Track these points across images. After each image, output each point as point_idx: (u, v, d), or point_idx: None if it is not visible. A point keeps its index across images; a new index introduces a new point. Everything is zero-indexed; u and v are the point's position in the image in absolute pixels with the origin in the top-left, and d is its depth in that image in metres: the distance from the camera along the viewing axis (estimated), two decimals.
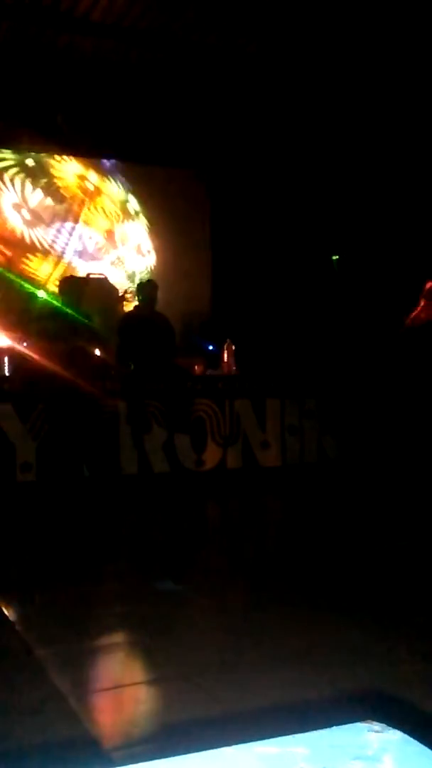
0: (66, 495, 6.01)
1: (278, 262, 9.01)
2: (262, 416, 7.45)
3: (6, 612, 3.46)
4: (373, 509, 5.84)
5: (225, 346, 7.69)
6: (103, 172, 9.44)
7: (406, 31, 6.76)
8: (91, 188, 9.39)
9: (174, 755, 0.75)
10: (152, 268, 9.61)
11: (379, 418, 7.22)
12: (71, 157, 9.19)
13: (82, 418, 6.18)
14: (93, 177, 9.39)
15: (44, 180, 9.04)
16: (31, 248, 8.97)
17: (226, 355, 7.63)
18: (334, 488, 6.85)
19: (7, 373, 6.89)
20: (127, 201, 9.54)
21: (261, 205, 9.24)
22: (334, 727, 0.81)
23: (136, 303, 7.46)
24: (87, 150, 9.13)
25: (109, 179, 9.46)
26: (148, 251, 9.67)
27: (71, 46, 7.48)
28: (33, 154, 9.00)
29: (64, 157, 9.17)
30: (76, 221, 9.24)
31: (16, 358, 6.95)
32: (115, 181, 9.48)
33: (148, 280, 8.17)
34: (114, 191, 9.50)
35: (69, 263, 9.14)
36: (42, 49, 7.48)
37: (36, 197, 9.00)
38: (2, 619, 3.35)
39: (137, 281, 9.19)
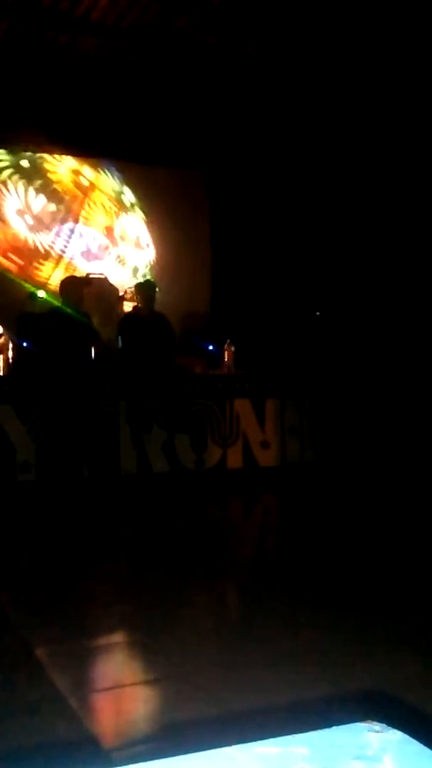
0: (66, 495, 6.01)
1: (278, 262, 9.01)
2: (262, 416, 7.45)
3: (6, 612, 3.46)
4: (373, 509, 5.84)
5: (225, 346, 7.69)
6: (97, 166, 9.40)
7: (406, 31, 6.77)
8: (86, 183, 9.36)
9: (174, 755, 0.75)
10: (152, 264, 9.60)
11: (375, 419, 7.22)
12: (61, 156, 9.16)
13: (82, 418, 6.18)
14: (87, 172, 9.36)
15: (40, 181, 9.03)
16: (38, 254, 8.97)
17: (226, 355, 7.63)
18: (333, 488, 6.85)
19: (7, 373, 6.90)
20: (122, 193, 9.52)
21: (261, 204, 9.24)
22: (334, 727, 0.81)
23: (136, 303, 7.46)
24: (87, 150, 9.13)
25: (103, 173, 9.43)
26: (147, 245, 9.66)
27: (71, 46, 7.48)
28: (27, 154, 8.98)
29: (56, 155, 9.14)
30: (76, 221, 9.24)
31: (16, 357, 6.96)
32: (110, 174, 9.45)
33: (147, 281, 8.17)
34: (109, 184, 9.47)
35: (70, 263, 9.14)
36: (42, 48, 7.47)
37: (39, 202, 8.99)
38: (2, 619, 3.35)
39: (139, 276, 9.20)
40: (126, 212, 9.58)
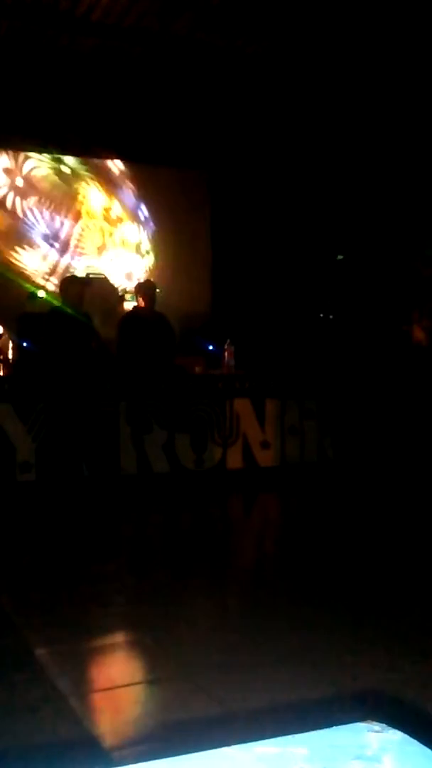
0: (66, 495, 6.01)
1: (279, 262, 9.01)
2: (262, 416, 7.45)
3: (6, 612, 3.46)
4: (372, 509, 5.84)
5: (225, 346, 7.69)
6: (95, 173, 9.40)
7: (406, 32, 6.77)
8: (81, 198, 9.35)
9: (174, 755, 0.75)
10: (151, 268, 9.61)
11: (377, 419, 7.22)
12: (61, 156, 9.15)
13: (82, 418, 6.18)
14: (86, 188, 9.36)
15: (35, 198, 9.03)
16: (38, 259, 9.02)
17: (226, 355, 7.63)
18: (333, 488, 6.85)
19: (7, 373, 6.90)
20: (124, 200, 9.52)
21: (262, 205, 9.24)
22: (334, 727, 0.81)
23: (136, 303, 7.47)
24: (87, 150, 9.13)
25: (93, 183, 9.41)
26: (147, 252, 9.66)
27: (71, 46, 7.48)
28: (21, 174, 8.96)
29: (51, 162, 9.11)
30: (76, 221, 9.24)
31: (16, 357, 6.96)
32: (98, 188, 9.45)
33: (147, 280, 8.17)
34: (98, 200, 9.46)
35: (69, 264, 9.14)
36: (42, 48, 7.48)
37: (37, 213, 8.99)
38: (2, 619, 3.35)
39: (137, 280, 9.20)
40: (120, 223, 9.55)
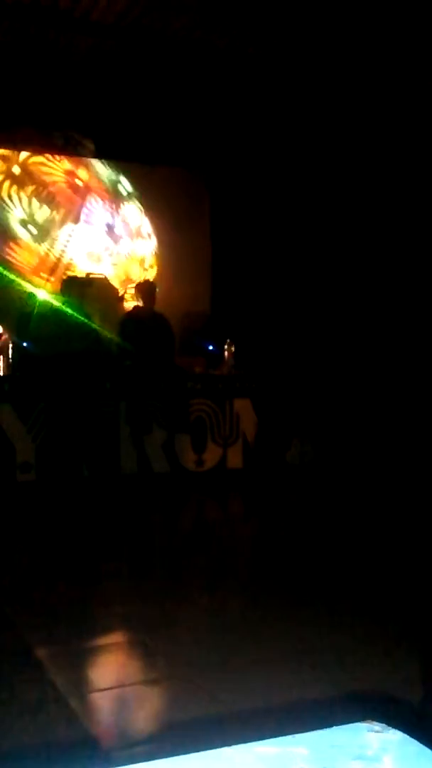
0: (66, 495, 6.01)
1: (279, 262, 9.01)
2: None
3: (6, 612, 3.46)
4: (372, 509, 5.84)
5: (225, 346, 7.69)
6: (89, 163, 9.38)
7: (406, 32, 6.77)
8: (82, 183, 9.33)
9: (174, 755, 0.75)
10: (156, 253, 9.58)
11: (380, 418, 7.22)
12: (60, 157, 9.13)
13: (82, 418, 6.18)
14: (83, 173, 9.33)
15: (32, 187, 9.00)
16: (39, 259, 8.98)
17: (226, 355, 7.63)
18: (333, 488, 6.85)
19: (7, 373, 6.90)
20: (119, 182, 9.50)
21: (261, 203, 9.23)
22: (334, 727, 0.81)
23: (136, 303, 7.47)
24: (86, 149, 9.12)
25: (97, 165, 9.38)
26: (149, 234, 9.64)
27: (71, 46, 7.48)
28: (18, 161, 8.93)
29: (49, 157, 9.10)
30: (76, 222, 9.23)
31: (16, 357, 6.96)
32: (104, 164, 9.42)
33: (147, 280, 8.18)
34: (105, 174, 9.44)
35: (70, 264, 9.13)
36: (42, 48, 7.47)
37: (36, 209, 8.96)
38: (2, 619, 3.35)
39: (146, 266, 9.18)
40: (124, 202, 9.54)
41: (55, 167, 9.17)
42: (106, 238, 9.32)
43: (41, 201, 9.06)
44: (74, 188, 9.29)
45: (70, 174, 9.29)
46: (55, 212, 9.13)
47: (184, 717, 2.28)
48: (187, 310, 9.00)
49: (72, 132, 8.69)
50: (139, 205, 9.58)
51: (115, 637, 3.27)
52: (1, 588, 3.92)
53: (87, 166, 9.35)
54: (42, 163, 9.10)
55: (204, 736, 2.08)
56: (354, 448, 7.13)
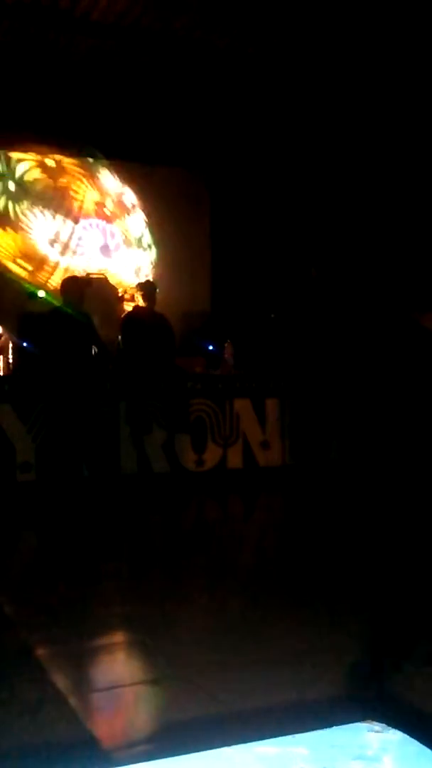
0: (66, 495, 6.01)
1: (279, 261, 9.00)
2: (262, 416, 7.44)
3: (6, 612, 3.46)
4: (372, 509, 5.83)
5: (225, 346, 7.69)
6: (96, 168, 9.39)
7: (406, 32, 6.77)
8: (84, 188, 9.34)
9: (174, 755, 0.75)
10: (152, 267, 9.60)
11: (378, 418, 7.21)
12: (61, 157, 9.14)
13: (82, 418, 6.18)
14: (86, 178, 9.36)
15: (31, 200, 9.02)
16: (42, 260, 9.01)
17: (226, 355, 7.63)
18: (334, 488, 6.84)
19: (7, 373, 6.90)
20: (123, 194, 9.52)
21: (261, 204, 9.23)
22: (334, 727, 0.81)
23: (136, 303, 7.47)
24: (86, 149, 9.13)
25: (102, 174, 9.41)
26: (149, 245, 9.66)
27: (71, 46, 7.48)
28: (19, 171, 8.94)
29: (52, 159, 9.10)
30: (76, 222, 9.23)
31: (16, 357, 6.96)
32: (111, 174, 9.44)
33: (147, 280, 8.17)
34: (111, 185, 9.47)
35: (70, 265, 9.14)
36: (42, 48, 7.47)
37: (39, 212, 8.99)
38: (2, 619, 3.35)
39: (142, 276, 9.19)
40: (129, 213, 9.57)
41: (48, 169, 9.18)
42: (100, 257, 9.35)
43: (42, 202, 9.07)
44: (77, 191, 9.31)
45: (72, 175, 9.31)
46: (55, 212, 9.14)
47: (184, 717, 2.28)
48: (187, 310, 9.00)
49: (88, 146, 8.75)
50: (144, 217, 9.59)
51: (115, 637, 3.26)
52: (1, 588, 3.92)
53: (93, 178, 9.38)
54: (34, 170, 9.11)
55: (204, 736, 2.08)
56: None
